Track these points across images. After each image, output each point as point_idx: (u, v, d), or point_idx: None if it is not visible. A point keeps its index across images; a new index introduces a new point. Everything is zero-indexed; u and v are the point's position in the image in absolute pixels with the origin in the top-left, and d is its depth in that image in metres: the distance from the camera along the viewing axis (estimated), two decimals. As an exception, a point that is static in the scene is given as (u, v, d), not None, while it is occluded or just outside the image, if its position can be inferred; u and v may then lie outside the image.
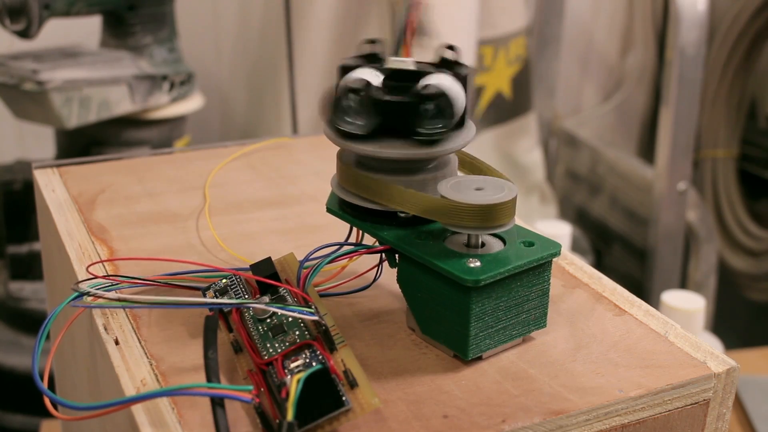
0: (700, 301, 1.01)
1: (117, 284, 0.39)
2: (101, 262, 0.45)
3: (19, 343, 1.08)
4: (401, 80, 0.37)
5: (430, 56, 0.39)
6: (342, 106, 0.37)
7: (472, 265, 0.35)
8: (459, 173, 0.40)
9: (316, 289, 0.40)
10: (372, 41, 0.39)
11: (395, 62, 0.38)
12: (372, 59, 0.39)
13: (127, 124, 1.09)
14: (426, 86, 0.36)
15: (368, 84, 0.36)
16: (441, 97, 0.36)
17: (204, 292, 0.39)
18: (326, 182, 0.42)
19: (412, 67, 0.38)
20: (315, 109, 1.30)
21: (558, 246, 0.37)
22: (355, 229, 0.40)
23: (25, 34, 0.98)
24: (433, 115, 0.36)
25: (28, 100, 1.01)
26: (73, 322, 0.39)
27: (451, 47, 0.38)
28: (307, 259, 0.39)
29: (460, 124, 0.38)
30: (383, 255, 0.39)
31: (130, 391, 0.35)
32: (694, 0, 1.23)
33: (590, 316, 0.41)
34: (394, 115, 0.37)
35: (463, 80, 0.37)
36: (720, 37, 1.63)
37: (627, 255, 1.49)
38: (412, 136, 0.37)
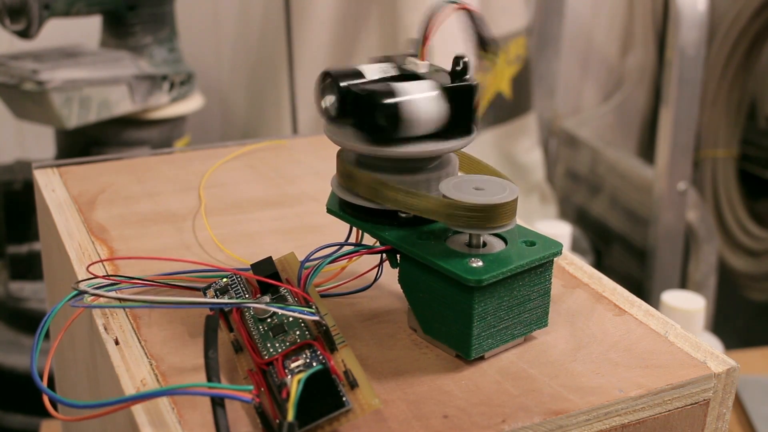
0: (700, 301, 1.01)
1: (117, 284, 0.39)
2: (101, 261, 0.45)
3: (19, 343, 1.08)
4: (403, 80, 0.37)
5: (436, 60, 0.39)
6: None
7: (474, 264, 0.35)
8: (459, 173, 0.40)
9: (316, 289, 0.40)
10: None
11: (411, 63, 0.38)
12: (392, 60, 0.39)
13: (127, 124, 1.09)
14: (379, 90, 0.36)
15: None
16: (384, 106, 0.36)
17: (204, 291, 0.39)
18: (326, 182, 0.42)
19: (424, 69, 0.38)
20: (315, 109, 1.30)
21: (559, 245, 0.37)
22: (354, 229, 0.40)
23: (25, 34, 0.98)
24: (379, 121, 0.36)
25: (28, 100, 1.01)
26: (73, 322, 0.39)
27: (460, 58, 0.38)
28: (307, 259, 0.39)
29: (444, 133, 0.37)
30: (384, 255, 0.39)
31: (130, 391, 0.35)
32: (694, 0, 1.23)
33: (590, 316, 0.41)
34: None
35: (450, 91, 0.37)
36: (720, 37, 1.63)
37: (627, 255, 1.49)
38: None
